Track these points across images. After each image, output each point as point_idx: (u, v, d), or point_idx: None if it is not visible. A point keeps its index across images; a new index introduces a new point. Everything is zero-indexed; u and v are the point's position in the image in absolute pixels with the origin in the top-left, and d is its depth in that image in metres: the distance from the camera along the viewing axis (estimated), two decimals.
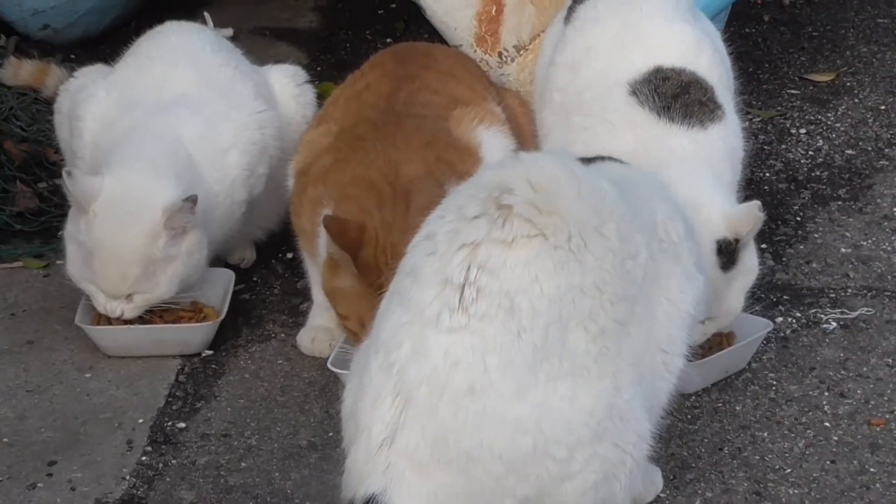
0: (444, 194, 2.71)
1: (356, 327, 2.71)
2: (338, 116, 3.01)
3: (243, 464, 2.64)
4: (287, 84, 3.29)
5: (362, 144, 2.88)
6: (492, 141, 2.96)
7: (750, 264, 2.74)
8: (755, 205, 2.70)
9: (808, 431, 2.66)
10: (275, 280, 3.22)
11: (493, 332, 2.05)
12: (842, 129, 3.72)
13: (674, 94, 2.84)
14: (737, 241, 2.68)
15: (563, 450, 2.08)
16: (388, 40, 4.25)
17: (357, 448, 2.13)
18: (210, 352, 2.97)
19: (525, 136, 3.13)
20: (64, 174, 2.85)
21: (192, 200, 2.83)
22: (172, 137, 2.98)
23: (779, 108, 3.82)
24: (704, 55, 2.94)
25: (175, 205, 2.81)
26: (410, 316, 2.09)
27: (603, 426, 2.11)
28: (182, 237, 2.87)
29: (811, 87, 3.93)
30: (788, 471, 2.56)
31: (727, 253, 2.68)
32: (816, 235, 3.27)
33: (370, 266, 2.67)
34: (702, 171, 2.76)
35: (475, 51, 3.53)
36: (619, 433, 2.14)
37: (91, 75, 3.23)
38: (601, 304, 2.13)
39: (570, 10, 3.12)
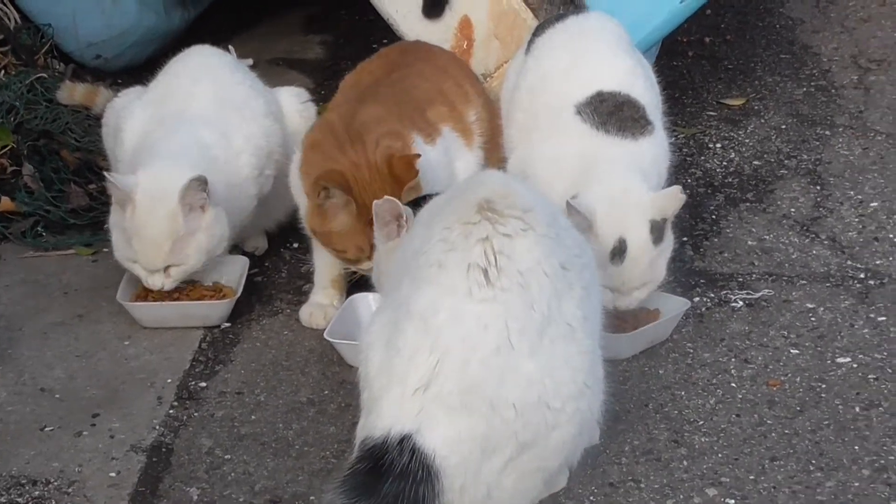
0: (403, 137, 2.70)
1: (355, 255, 2.69)
2: (340, 100, 2.96)
3: (253, 416, 2.61)
4: (293, 102, 3.25)
5: (343, 104, 2.83)
6: (449, 137, 2.91)
7: (670, 239, 2.73)
8: (677, 188, 2.68)
9: (718, 391, 2.63)
10: (282, 265, 3.19)
11: (514, 303, 2.07)
12: (750, 144, 3.69)
13: (609, 112, 2.82)
14: (664, 220, 2.66)
15: (558, 401, 2.10)
16: None
17: (390, 395, 2.08)
18: (228, 324, 2.93)
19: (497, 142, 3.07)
20: (108, 178, 2.82)
21: (201, 180, 2.79)
22: (193, 141, 2.94)
23: (699, 126, 3.80)
24: (638, 82, 2.92)
25: (186, 185, 2.78)
26: (443, 292, 2.08)
27: (586, 384, 2.14)
28: (201, 213, 2.83)
29: (726, 110, 3.90)
30: (701, 423, 2.54)
31: (657, 230, 2.66)
32: (728, 231, 3.25)
33: (362, 204, 2.63)
34: (632, 170, 2.74)
35: None
36: (593, 392, 2.17)
37: (131, 95, 3.20)
38: (576, 275, 2.17)
39: (530, 42, 3.10)
